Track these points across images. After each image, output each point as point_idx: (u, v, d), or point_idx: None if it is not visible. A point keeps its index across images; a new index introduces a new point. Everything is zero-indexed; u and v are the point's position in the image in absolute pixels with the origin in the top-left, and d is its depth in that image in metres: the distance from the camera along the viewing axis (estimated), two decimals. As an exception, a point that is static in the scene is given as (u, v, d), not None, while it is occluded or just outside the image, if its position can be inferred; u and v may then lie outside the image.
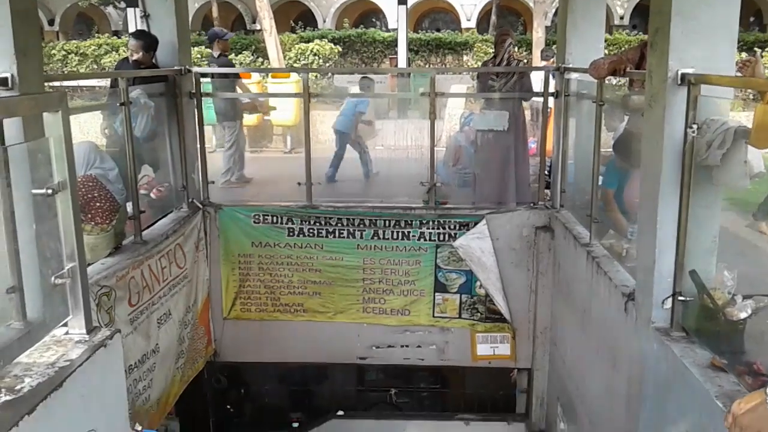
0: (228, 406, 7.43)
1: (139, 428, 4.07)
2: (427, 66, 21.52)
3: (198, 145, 6.66)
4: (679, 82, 3.30)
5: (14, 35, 3.23)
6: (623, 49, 15.84)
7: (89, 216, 5.07)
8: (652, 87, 3.56)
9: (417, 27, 30.55)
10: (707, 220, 3.38)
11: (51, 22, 29.94)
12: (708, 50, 3.31)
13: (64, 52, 21.58)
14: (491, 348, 6.56)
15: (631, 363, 3.80)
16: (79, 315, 2.02)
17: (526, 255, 6.32)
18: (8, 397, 1.64)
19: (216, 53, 9.19)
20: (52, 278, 1.91)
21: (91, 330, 2.05)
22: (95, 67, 20.52)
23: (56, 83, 10.19)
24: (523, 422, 6.75)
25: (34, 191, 1.93)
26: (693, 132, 3.19)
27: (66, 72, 20.18)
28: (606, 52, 5.67)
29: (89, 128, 6.99)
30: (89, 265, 4.90)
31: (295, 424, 7.56)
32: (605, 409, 4.38)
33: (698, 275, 3.21)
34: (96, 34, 24.64)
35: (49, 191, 1.87)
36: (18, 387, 1.70)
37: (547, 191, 6.54)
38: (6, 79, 3.18)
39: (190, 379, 6.29)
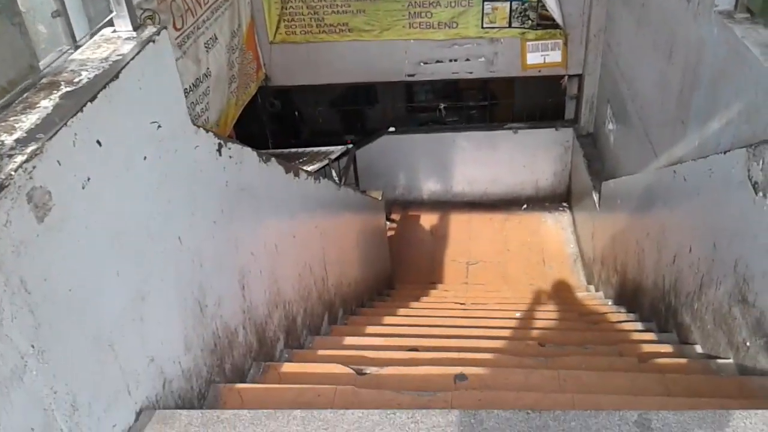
0: (283, 128, 7.70)
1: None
2: None
3: None
4: None
5: None
6: None
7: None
8: None
9: None
10: None
11: None
12: None
13: None
14: (542, 56, 6.42)
15: (688, 52, 3.67)
16: (122, 12, 2.02)
17: (583, -49, 5.85)
18: (69, 89, 1.71)
19: None
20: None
21: (137, 27, 2.05)
22: None
23: None
24: (571, 127, 6.83)
25: None
26: None
27: None
28: None
29: None
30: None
31: (350, 146, 7.87)
32: (656, 102, 4.36)
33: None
34: None
35: None
36: (77, 80, 1.76)
37: None
38: None
39: (245, 103, 6.47)
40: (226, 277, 2.49)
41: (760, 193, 2.28)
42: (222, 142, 2.46)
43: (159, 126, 1.99)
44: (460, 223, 7.32)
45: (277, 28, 6.69)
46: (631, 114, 5.09)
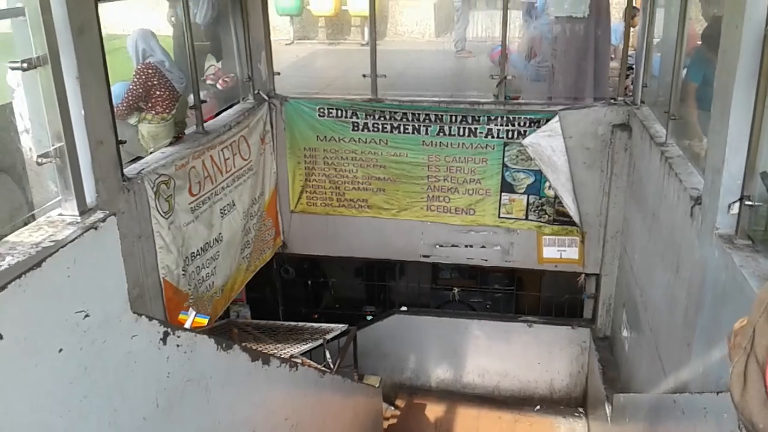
0: (295, 296, 7.64)
1: (192, 312, 4.18)
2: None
3: (264, 35, 6.50)
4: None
5: None
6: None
7: (149, 105, 5.11)
8: (737, -40, 3.06)
9: None
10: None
11: None
12: None
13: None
14: (558, 251, 6.33)
15: (693, 270, 3.52)
16: (70, 197, 1.99)
17: (601, 155, 5.93)
18: (-16, 275, 1.63)
19: None
20: (35, 158, 1.87)
21: (84, 212, 2.02)
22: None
23: None
24: (588, 327, 6.57)
25: (9, 64, 1.86)
26: (778, 12, 2.73)
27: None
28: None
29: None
30: (150, 153, 5.05)
31: (369, 317, 7.70)
32: (665, 316, 4.14)
33: (769, 177, 2.85)
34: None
35: (24, 65, 1.80)
36: (-4, 265, 1.68)
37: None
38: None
39: (257, 269, 6.46)
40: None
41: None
42: (169, 330, 2.33)
43: (86, 315, 1.88)
44: (467, 418, 6.88)
45: (299, 198, 6.83)
46: (643, 324, 4.85)
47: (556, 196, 6.16)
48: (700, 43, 4.76)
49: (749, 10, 2.88)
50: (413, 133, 6.32)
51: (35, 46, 1.88)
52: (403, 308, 7.23)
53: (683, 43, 4.46)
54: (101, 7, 3.84)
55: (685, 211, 3.70)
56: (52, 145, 1.99)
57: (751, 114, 2.92)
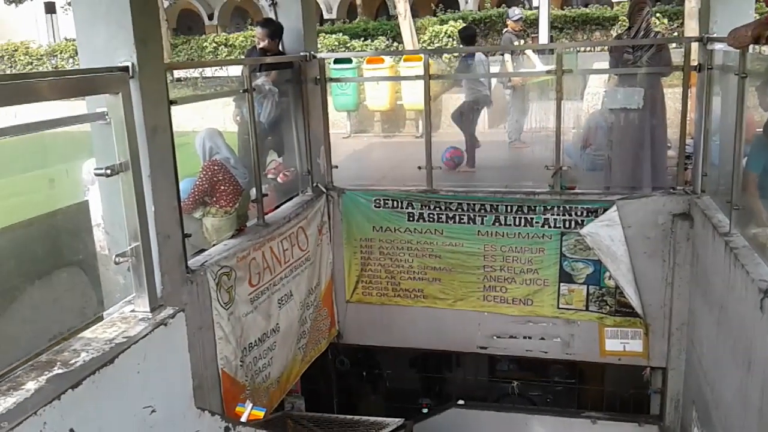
0: (350, 387, 7.55)
1: (249, 405, 4.18)
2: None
3: (323, 130, 6.76)
4: (828, 45, 2.81)
5: (134, 25, 3.39)
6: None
7: (214, 199, 5.33)
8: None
9: (566, 4, 29.21)
10: None
11: (210, 17, 32.01)
12: None
13: (214, 44, 22.95)
14: (621, 344, 6.13)
15: (766, 367, 3.35)
16: (143, 294, 2.07)
17: (662, 245, 5.82)
18: (60, 371, 1.69)
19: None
20: (114, 257, 1.97)
21: (155, 308, 2.09)
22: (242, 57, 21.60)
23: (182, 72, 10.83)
24: (656, 424, 6.25)
25: (94, 171, 1.99)
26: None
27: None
28: (755, 17, 5.02)
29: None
30: (213, 245, 5.21)
31: (425, 410, 7.53)
32: (738, 416, 3.92)
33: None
34: (249, 27, 25.90)
35: (108, 171, 1.92)
36: (72, 361, 1.75)
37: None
38: (127, 67, 3.37)
39: (313, 360, 6.45)
40: None
41: None
42: (230, 425, 2.34)
43: (153, 411, 1.92)
44: None
45: (355, 288, 6.87)
46: (715, 423, 4.59)
47: (617, 287, 6.03)
48: (760, 131, 4.72)
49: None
50: (468, 223, 6.35)
51: (118, 152, 2.02)
52: (460, 402, 7.05)
53: (743, 131, 4.43)
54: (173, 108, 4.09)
55: (755, 304, 3.57)
56: (129, 245, 2.09)
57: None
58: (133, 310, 2.08)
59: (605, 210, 5.92)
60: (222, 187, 5.32)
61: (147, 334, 1.92)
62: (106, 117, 2.14)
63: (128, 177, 2.01)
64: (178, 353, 2.08)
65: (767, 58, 5.40)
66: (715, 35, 5.46)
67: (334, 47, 19.03)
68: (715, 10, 5.49)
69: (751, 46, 4.22)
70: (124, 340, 1.88)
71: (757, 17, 4.89)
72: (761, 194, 4.27)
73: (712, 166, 5.55)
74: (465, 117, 8.49)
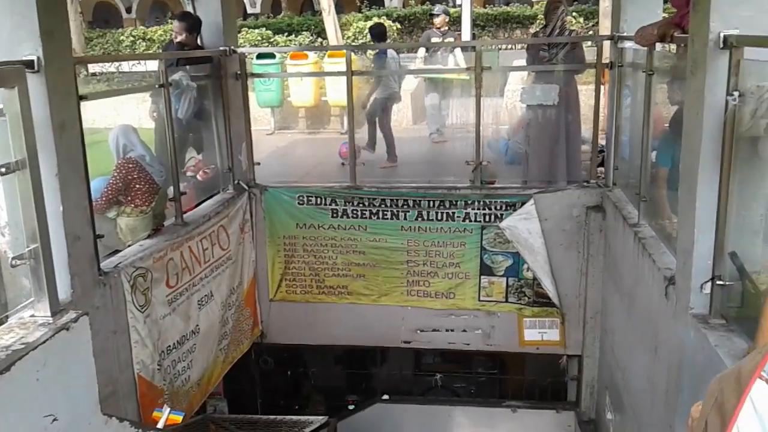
0: (275, 387, 7.47)
1: (166, 409, 4.08)
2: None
3: (244, 126, 6.64)
4: (722, 45, 2.97)
5: (39, 17, 3.23)
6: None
7: (129, 198, 5.14)
8: (693, 52, 3.24)
9: (488, 2, 29.76)
10: (753, 197, 3.05)
11: (128, 10, 30.95)
12: (756, 8, 2.96)
13: (132, 38, 22.15)
14: (539, 333, 6.31)
15: (671, 352, 3.52)
16: (43, 297, 1.98)
17: (577, 237, 6.02)
18: (-49, 380, 1.60)
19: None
20: (10, 260, 1.87)
21: (56, 312, 2.00)
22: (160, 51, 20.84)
23: (95, 66, 10.47)
24: (572, 411, 6.47)
25: (-15, 169, 1.89)
26: (734, 100, 2.87)
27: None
28: (664, 17, 5.24)
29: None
30: (128, 246, 5.04)
31: (351, 407, 7.53)
32: (646, 399, 4.10)
33: (738, 257, 2.91)
34: (169, 20, 25.13)
35: (2, 170, 1.82)
36: (-36, 370, 1.65)
37: (600, 168, 6.18)
38: (32, 61, 3.19)
39: (235, 360, 6.33)
40: None
41: None
42: (141, 431, 2.27)
43: (54, 419, 1.83)
44: None
45: (279, 286, 6.79)
46: (626, 407, 4.80)
47: (534, 278, 6.20)
48: (667, 126, 4.94)
49: (708, 98, 3.02)
50: (392, 218, 6.39)
51: (14, 149, 1.92)
52: (385, 396, 7.09)
53: (650, 127, 4.62)
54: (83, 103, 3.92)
55: (660, 292, 3.74)
56: (27, 247, 1.99)
57: (717, 195, 3.01)
58: (32, 315, 1.98)
59: (523, 204, 6.07)
60: (137, 186, 5.14)
61: (47, 340, 1.83)
62: (2, 113, 2.03)
63: (25, 175, 1.91)
64: (81, 359, 1.99)
65: (673, 56, 5.67)
66: (625, 34, 5.68)
67: (257, 42, 18.72)
68: (626, 10, 5.70)
69: (657, 44, 4.40)
70: (22, 346, 1.79)
71: (666, 17, 5.11)
72: (669, 187, 4.47)
73: (622, 160, 5.78)
74: (380, 113, 8.55)
